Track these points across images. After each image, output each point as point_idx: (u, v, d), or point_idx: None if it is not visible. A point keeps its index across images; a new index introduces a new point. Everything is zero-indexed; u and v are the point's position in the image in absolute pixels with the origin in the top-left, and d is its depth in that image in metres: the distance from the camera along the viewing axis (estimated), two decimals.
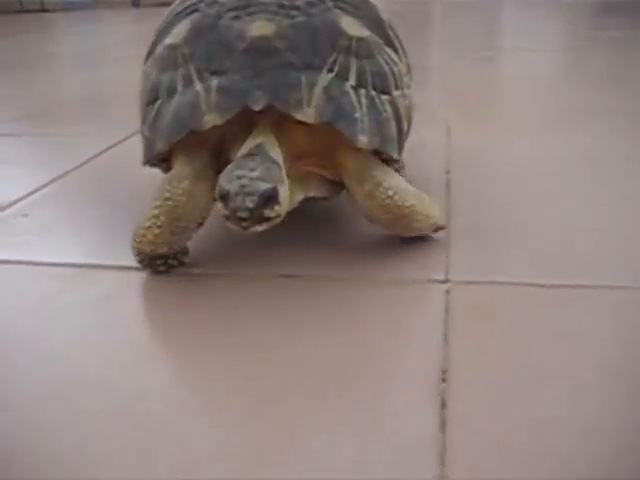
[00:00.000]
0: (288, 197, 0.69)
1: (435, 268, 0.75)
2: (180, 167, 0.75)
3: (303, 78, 0.72)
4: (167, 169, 0.81)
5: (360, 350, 0.62)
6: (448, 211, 0.89)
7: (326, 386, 0.57)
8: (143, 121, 0.81)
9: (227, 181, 0.65)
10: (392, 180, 0.76)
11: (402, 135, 0.82)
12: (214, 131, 0.73)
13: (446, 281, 0.73)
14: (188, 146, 0.75)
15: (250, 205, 0.63)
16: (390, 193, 0.75)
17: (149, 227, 0.73)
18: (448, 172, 1.06)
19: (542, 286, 0.71)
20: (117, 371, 0.62)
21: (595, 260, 0.76)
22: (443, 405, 0.54)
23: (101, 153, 1.26)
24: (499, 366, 0.59)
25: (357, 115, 0.73)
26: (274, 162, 0.69)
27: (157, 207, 0.73)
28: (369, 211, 0.77)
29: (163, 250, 0.75)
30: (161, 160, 0.80)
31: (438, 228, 0.80)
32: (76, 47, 2.90)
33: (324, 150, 0.77)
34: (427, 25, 3.17)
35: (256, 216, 0.64)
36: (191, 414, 0.55)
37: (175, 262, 0.78)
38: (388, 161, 0.79)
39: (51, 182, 1.12)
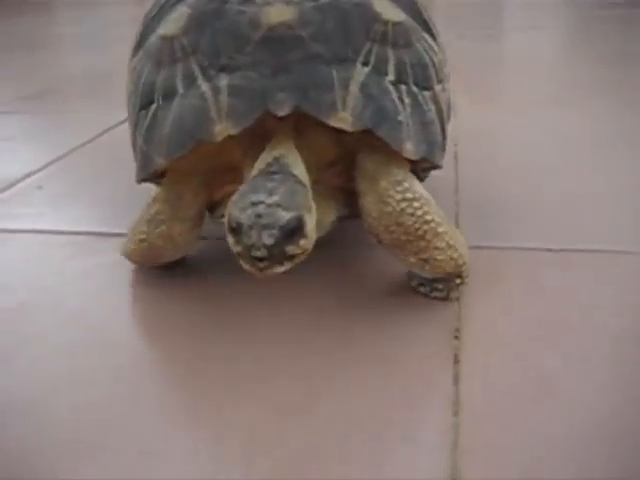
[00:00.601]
0: (315, 226, 0.56)
1: None
2: (161, 207, 0.65)
3: (335, 74, 0.59)
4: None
5: (375, 310, 0.64)
6: (457, 182, 0.91)
7: (340, 342, 0.59)
8: (134, 130, 0.68)
9: (239, 209, 0.53)
10: (417, 186, 0.61)
11: (445, 137, 0.69)
12: (222, 144, 0.60)
13: None
14: (181, 172, 0.65)
15: (269, 241, 0.50)
16: (409, 195, 0.59)
17: (134, 249, 0.68)
18: (456, 145, 1.07)
19: (550, 250, 0.73)
20: (134, 331, 0.65)
21: (600, 227, 0.78)
22: (456, 361, 0.56)
23: (109, 129, 1.28)
24: (509, 324, 0.61)
25: (401, 118, 0.60)
26: (298, 182, 0.56)
27: (134, 242, 0.67)
28: (378, 220, 0.60)
29: (157, 263, 0.70)
30: (159, 176, 0.68)
31: (461, 274, 0.63)
32: (80, 29, 2.90)
33: (348, 155, 0.64)
34: (429, 4, 3.16)
35: (277, 255, 0.51)
36: (205, 371, 0.57)
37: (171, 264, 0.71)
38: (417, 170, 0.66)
39: (61, 157, 1.13)
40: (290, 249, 0.52)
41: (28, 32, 2.75)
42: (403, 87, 0.63)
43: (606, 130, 1.12)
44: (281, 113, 0.58)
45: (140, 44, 0.70)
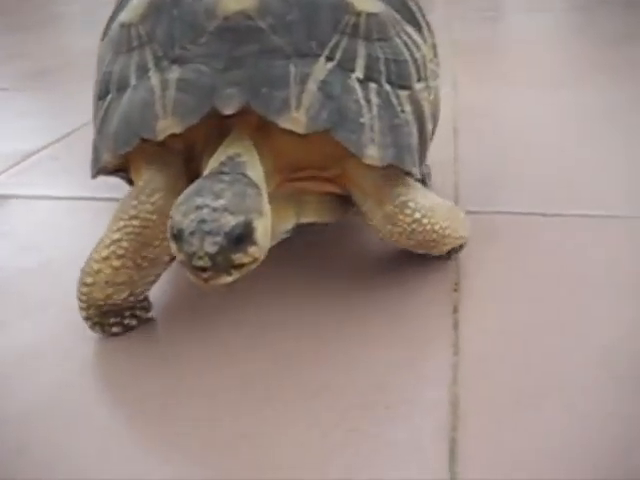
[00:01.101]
0: (269, 232, 0.52)
1: (445, 199, 0.81)
2: (149, 176, 0.58)
3: (292, 69, 0.55)
4: (129, 180, 0.67)
5: (378, 267, 0.68)
6: (456, 153, 0.95)
7: (348, 291, 0.64)
8: (93, 121, 0.64)
9: (182, 214, 0.48)
10: (421, 198, 0.60)
11: (426, 140, 0.65)
12: (177, 138, 0.56)
13: None
14: (152, 152, 0.59)
15: (212, 250, 0.46)
16: (418, 216, 0.59)
17: (106, 258, 0.56)
18: (455, 120, 1.11)
19: (544, 215, 0.77)
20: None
21: (592, 193, 0.82)
22: (455, 310, 0.61)
23: None
24: (504, 279, 0.65)
25: (364, 120, 0.55)
26: (250, 183, 0.52)
27: (119, 229, 0.56)
28: (388, 236, 0.61)
29: (121, 296, 0.57)
30: (116, 170, 0.64)
31: (461, 245, 0.67)
32: (79, 7, 2.92)
33: (325, 161, 0.60)
34: None
35: (221, 264, 0.47)
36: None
37: (134, 321, 0.60)
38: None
39: (75, 130, 1.17)
40: (237, 257, 0.48)
41: (35, 10, 2.77)
42: (372, 85, 0.57)
43: (603, 106, 1.16)
44: (227, 111, 0.53)
45: (107, 29, 0.66)
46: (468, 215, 0.69)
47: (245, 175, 0.52)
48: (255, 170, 0.54)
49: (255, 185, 0.52)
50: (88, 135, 1.11)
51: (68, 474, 0.46)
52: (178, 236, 0.48)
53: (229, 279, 0.48)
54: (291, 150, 0.58)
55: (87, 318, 0.58)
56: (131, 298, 0.58)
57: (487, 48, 1.72)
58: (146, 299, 0.61)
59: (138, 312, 0.60)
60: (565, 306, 0.61)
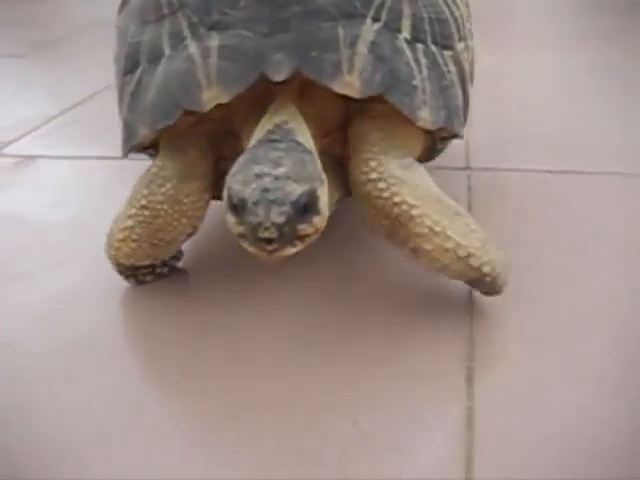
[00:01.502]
0: (327, 201, 0.50)
1: (456, 157, 0.84)
2: (162, 163, 0.57)
3: (341, 31, 0.52)
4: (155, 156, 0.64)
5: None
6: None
7: (359, 245, 0.68)
8: (120, 97, 0.61)
9: (241, 182, 0.46)
10: (385, 162, 0.53)
11: (467, 102, 0.62)
12: (216, 110, 0.54)
13: (467, 168, 0.82)
14: (178, 130, 0.57)
15: (279, 220, 0.44)
16: (373, 176, 0.53)
17: (123, 240, 0.57)
18: None
19: (550, 172, 0.81)
20: None
21: (597, 151, 0.86)
22: None
23: None
24: (514, 228, 0.69)
25: (416, 82, 0.54)
26: (306, 150, 0.50)
27: (130, 217, 0.56)
28: (358, 201, 0.55)
29: (145, 262, 0.59)
30: (146, 148, 0.62)
31: (495, 287, 0.54)
32: None
33: (343, 120, 0.58)
34: None
35: (288, 235, 0.45)
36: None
37: (166, 270, 0.62)
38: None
39: (93, 95, 1.20)
40: (302, 228, 0.46)
41: None
42: (419, 46, 0.56)
43: (605, 71, 1.19)
44: (278, 78, 0.51)
45: (126, 0, 0.63)
46: (480, 172, 0.71)
47: (297, 142, 0.50)
48: (305, 136, 0.52)
49: (310, 152, 0.50)
50: (105, 100, 1.15)
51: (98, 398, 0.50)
52: (240, 206, 0.45)
53: (293, 251, 0.46)
54: (330, 112, 0.57)
55: (119, 272, 0.61)
56: (157, 262, 0.60)
57: (499, 13, 1.74)
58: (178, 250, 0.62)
59: (170, 262, 0.62)
60: (567, 251, 0.65)
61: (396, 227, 0.52)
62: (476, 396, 0.47)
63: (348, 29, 0.53)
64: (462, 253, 0.52)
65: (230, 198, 0.47)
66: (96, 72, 1.34)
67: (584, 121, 0.96)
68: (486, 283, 0.53)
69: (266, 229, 0.44)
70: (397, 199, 0.52)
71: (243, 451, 0.44)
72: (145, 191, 0.56)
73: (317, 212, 0.47)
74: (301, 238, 0.47)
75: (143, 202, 0.56)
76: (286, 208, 0.45)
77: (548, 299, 0.58)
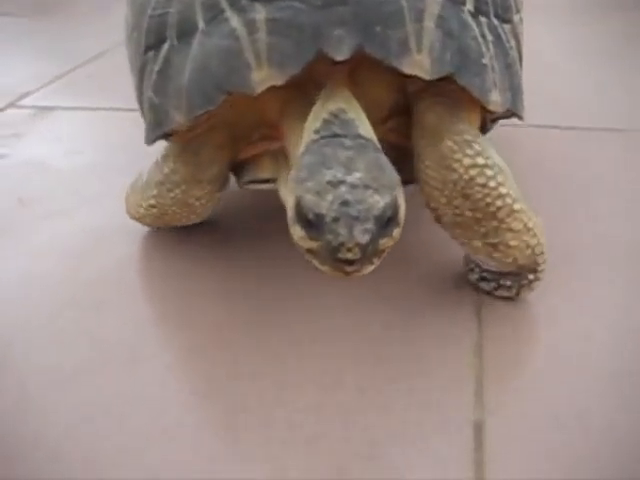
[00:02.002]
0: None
1: None
2: (174, 166, 0.54)
3: (404, 3, 0.45)
4: None
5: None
6: None
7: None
8: (140, 76, 0.54)
9: (314, 192, 0.40)
10: (489, 148, 0.48)
11: (522, 78, 0.57)
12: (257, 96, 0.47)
13: None
14: (203, 121, 0.52)
15: (364, 240, 0.38)
16: (481, 161, 0.46)
17: (139, 218, 0.60)
18: None
19: (557, 127, 0.83)
20: None
21: (600, 109, 0.89)
22: None
23: None
24: (522, 181, 0.71)
25: (486, 60, 0.48)
26: (376, 148, 0.44)
27: (140, 208, 0.58)
28: (440, 190, 0.48)
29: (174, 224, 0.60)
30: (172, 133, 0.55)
31: (536, 269, 0.50)
32: None
33: (405, 106, 0.52)
34: None
35: (370, 254, 0.39)
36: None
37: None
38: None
39: (102, 53, 1.21)
40: (383, 243, 0.40)
41: None
42: (483, 19, 0.49)
43: (617, 37, 1.21)
44: (339, 57, 0.44)
45: None
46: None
47: (364, 137, 0.44)
48: (367, 128, 0.46)
49: (379, 149, 0.44)
50: (116, 57, 1.16)
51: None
52: (316, 222, 0.40)
53: (371, 268, 0.41)
54: (384, 97, 0.51)
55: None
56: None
57: None
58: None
59: None
60: (569, 201, 0.67)
61: (486, 220, 0.47)
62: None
63: (412, 1, 0.46)
64: (539, 250, 0.49)
65: (302, 211, 0.41)
66: (106, 30, 1.36)
67: (590, 80, 0.99)
68: (530, 273, 0.50)
69: (349, 250, 0.38)
70: (503, 190, 0.47)
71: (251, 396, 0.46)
72: (154, 192, 0.55)
73: (397, 223, 0.42)
74: (380, 253, 0.41)
75: (152, 202, 0.56)
76: (370, 225, 0.39)
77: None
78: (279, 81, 0.45)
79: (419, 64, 0.45)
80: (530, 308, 0.52)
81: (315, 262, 0.41)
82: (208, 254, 0.60)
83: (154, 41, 0.51)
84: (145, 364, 0.48)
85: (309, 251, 0.41)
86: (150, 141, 0.54)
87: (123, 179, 0.63)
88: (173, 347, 0.50)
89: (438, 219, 0.50)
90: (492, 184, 0.46)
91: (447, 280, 0.56)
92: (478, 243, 0.48)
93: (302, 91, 0.49)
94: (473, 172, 0.46)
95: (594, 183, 0.71)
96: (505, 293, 0.52)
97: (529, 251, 0.49)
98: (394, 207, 0.41)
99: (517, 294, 0.52)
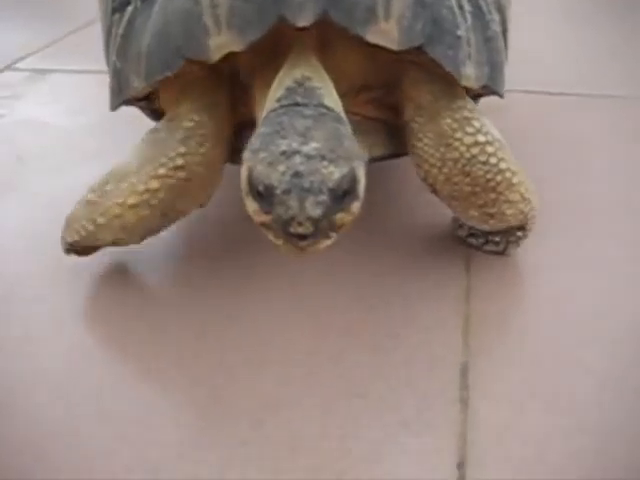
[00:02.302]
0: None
1: None
2: (200, 118, 0.48)
3: None
4: (151, 111, 0.57)
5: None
6: None
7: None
8: (107, 39, 0.53)
9: (266, 163, 0.38)
10: (487, 122, 0.47)
11: (507, 55, 0.54)
12: (223, 61, 0.45)
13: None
14: (193, 77, 0.49)
15: (316, 213, 0.36)
16: (482, 138, 0.46)
17: (134, 205, 0.47)
18: None
19: (550, 94, 0.84)
20: None
21: (594, 75, 0.90)
22: None
23: None
24: (511, 145, 0.72)
25: (461, 32, 0.45)
26: (338, 118, 0.42)
27: (159, 177, 0.47)
28: (438, 168, 0.47)
29: (129, 243, 0.50)
30: (139, 99, 0.53)
31: (525, 227, 0.51)
32: None
33: (386, 75, 0.49)
34: None
35: (324, 228, 0.38)
36: None
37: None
38: None
39: (96, 20, 1.21)
40: (340, 217, 0.39)
41: None
42: None
43: (606, 3, 1.22)
44: (301, 23, 0.42)
45: None
46: None
47: (326, 107, 0.42)
48: (332, 98, 0.43)
49: (343, 120, 0.42)
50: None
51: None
52: (266, 195, 0.38)
53: (327, 243, 0.39)
54: (355, 68, 0.48)
55: (69, 250, 0.51)
56: (129, 243, 0.50)
57: None
58: None
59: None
60: (562, 163, 0.68)
61: (484, 193, 0.47)
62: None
63: None
64: (531, 214, 0.50)
65: (253, 182, 0.39)
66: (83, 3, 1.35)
67: (584, 47, 1.00)
68: (519, 230, 0.51)
69: (300, 224, 0.36)
70: (503, 165, 0.46)
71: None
72: (182, 149, 0.47)
73: (356, 197, 0.40)
74: (337, 228, 0.39)
75: (179, 162, 0.47)
76: (323, 197, 0.37)
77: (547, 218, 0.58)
78: (238, 47, 0.43)
79: (386, 33, 0.43)
80: (517, 260, 0.54)
81: (270, 236, 0.39)
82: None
83: (119, 3, 0.50)
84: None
85: (263, 225, 0.39)
86: (114, 107, 0.52)
87: (119, 138, 0.64)
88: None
89: (434, 192, 0.49)
90: (493, 160, 0.46)
91: (437, 234, 0.57)
92: (474, 212, 0.49)
93: (270, 57, 0.46)
94: (475, 150, 0.46)
95: (582, 147, 0.72)
96: (493, 248, 0.54)
97: (522, 216, 0.49)
98: (351, 179, 0.39)
99: (505, 249, 0.53)
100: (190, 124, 0.48)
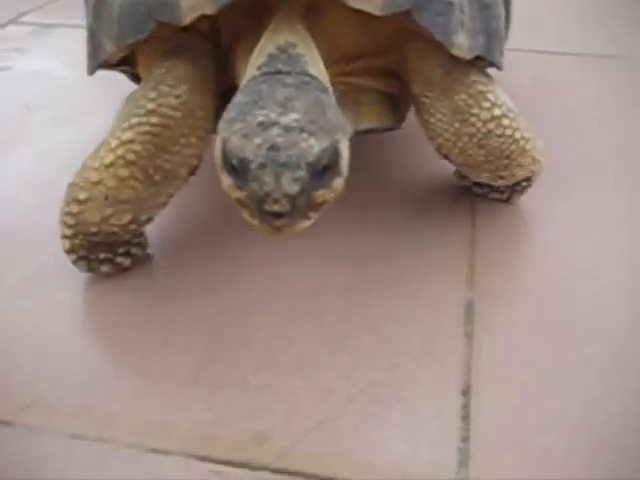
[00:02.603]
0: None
1: None
2: (171, 62, 0.44)
3: None
4: (133, 76, 0.54)
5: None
6: None
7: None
8: (85, 1, 0.50)
9: (240, 134, 0.35)
10: (502, 93, 0.46)
11: (509, 24, 0.52)
12: (200, 23, 0.43)
13: None
14: (171, 38, 0.46)
15: (292, 190, 0.34)
16: (498, 112, 0.45)
17: (111, 164, 0.43)
18: None
19: (553, 53, 0.85)
20: None
21: (595, 35, 0.90)
22: None
23: None
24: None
25: None
26: (321, 87, 0.39)
27: (132, 127, 0.43)
28: (450, 143, 0.47)
29: (122, 221, 0.45)
30: (118, 64, 0.50)
31: (530, 178, 0.52)
32: None
33: (382, 45, 0.47)
34: None
35: (302, 206, 0.35)
36: None
37: (127, 261, 0.48)
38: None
39: None
40: (320, 194, 0.36)
41: None
42: None
43: None
44: None
45: None
46: None
47: (310, 75, 0.39)
48: (317, 67, 0.41)
49: (326, 89, 0.39)
50: None
51: None
52: (239, 169, 0.35)
53: (307, 224, 0.36)
54: (346, 36, 0.46)
55: (71, 250, 0.46)
56: (132, 227, 0.46)
57: None
58: (143, 234, 0.49)
59: (133, 250, 0.48)
60: (564, 122, 0.69)
61: (498, 160, 0.47)
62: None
63: None
64: (539, 170, 0.51)
65: (227, 155, 0.36)
66: None
67: (586, 8, 1.00)
68: (523, 182, 0.52)
69: (275, 201, 0.34)
70: (518, 135, 0.46)
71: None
72: (153, 93, 0.43)
73: (338, 173, 0.37)
74: (317, 206, 0.36)
75: (151, 106, 0.43)
76: (301, 173, 0.34)
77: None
78: (211, 10, 0.41)
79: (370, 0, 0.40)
80: (521, 208, 0.55)
81: (245, 215, 0.36)
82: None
83: None
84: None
85: (238, 202, 0.36)
86: (90, 70, 0.49)
87: (122, 90, 0.64)
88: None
89: (447, 158, 0.49)
90: (509, 132, 0.46)
91: (442, 183, 0.58)
92: (485, 175, 0.49)
93: (254, 22, 0.43)
94: (491, 125, 0.45)
95: (584, 104, 0.72)
96: (497, 196, 0.55)
97: (531, 174, 0.51)
98: (333, 154, 0.36)
99: (509, 198, 0.54)
100: (161, 70, 0.44)
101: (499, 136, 0.45)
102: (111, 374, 0.41)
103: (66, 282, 0.48)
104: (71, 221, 0.44)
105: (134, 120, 0.43)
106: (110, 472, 0.36)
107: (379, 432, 0.37)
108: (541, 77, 0.79)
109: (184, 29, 0.44)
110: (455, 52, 0.44)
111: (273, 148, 0.34)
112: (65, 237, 0.45)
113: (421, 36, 0.44)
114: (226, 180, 0.36)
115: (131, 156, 0.42)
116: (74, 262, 0.46)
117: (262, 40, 0.41)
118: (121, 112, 0.45)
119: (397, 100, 0.50)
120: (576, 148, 0.64)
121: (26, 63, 0.83)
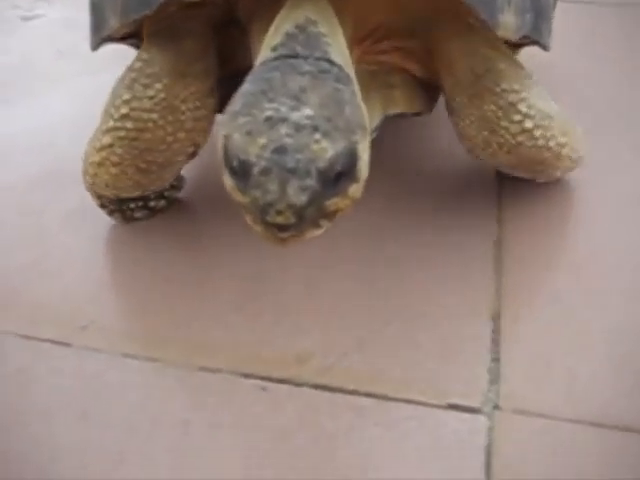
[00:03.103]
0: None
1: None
2: (149, 56, 0.41)
3: None
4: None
5: None
6: None
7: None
8: None
9: (243, 132, 0.31)
10: (536, 98, 0.43)
11: (556, 3, 0.48)
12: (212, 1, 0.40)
13: None
14: (168, 16, 0.42)
15: (299, 201, 0.30)
16: (529, 125, 0.42)
17: (100, 164, 0.43)
18: None
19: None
20: None
21: None
22: None
23: None
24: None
25: None
26: (341, 75, 0.34)
27: (108, 131, 0.41)
28: (480, 147, 0.44)
29: (132, 194, 0.45)
30: (124, 37, 0.46)
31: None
32: None
33: (412, 25, 0.43)
34: None
35: (311, 217, 0.31)
36: None
37: (161, 202, 0.48)
38: None
39: None
40: (332, 203, 0.32)
41: None
42: None
43: None
44: None
45: None
46: None
47: (329, 60, 0.34)
48: (339, 48, 0.36)
49: (347, 77, 0.35)
50: None
51: None
52: (241, 172, 0.31)
53: (317, 233, 0.32)
54: (374, 12, 0.42)
55: (102, 206, 0.47)
56: (150, 193, 0.46)
57: None
58: (178, 177, 0.48)
59: (167, 192, 0.48)
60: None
61: (532, 165, 0.45)
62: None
63: None
64: (575, 167, 0.48)
65: (228, 154, 0.32)
66: None
67: None
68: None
69: (279, 213, 0.30)
70: (552, 143, 0.43)
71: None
72: (127, 95, 0.41)
73: (355, 179, 0.32)
74: (329, 215, 0.32)
75: (124, 110, 0.41)
76: (311, 182, 0.30)
77: None
78: None
79: None
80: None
81: (247, 220, 0.32)
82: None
83: None
84: None
85: (242, 206, 0.32)
86: (94, 46, 0.46)
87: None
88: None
89: (475, 154, 0.46)
90: (541, 143, 0.43)
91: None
92: (522, 173, 0.47)
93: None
94: (521, 138, 0.42)
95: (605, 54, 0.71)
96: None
97: (570, 170, 0.48)
98: (349, 158, 0.31)
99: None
100: (138, 64, 0.42)
101: (530, 147, 0.43)
102: (158, 300, 0.43)
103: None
104: (90, 192, 0.46)
105: (110, 124, 0.41)
106: (161, 389, 0.38)
107: (414, 353, 0.39)
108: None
109: (194, 5, 0.41)
110: (501, 33, 0.40)
111: (280, 150, 0.30)
112: (93, 197, 0.47)
113: (454, 17, 0.41)
114: (228, 181, 0.33)
115: (115, 158, 0.42)
116: (109, 215, 0.47)
117: (279, 16, 0.37)
118: (107, 103, 0.43)
119: (429, 84, 0.47)
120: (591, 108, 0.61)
121: (55, 12, 0.84)
